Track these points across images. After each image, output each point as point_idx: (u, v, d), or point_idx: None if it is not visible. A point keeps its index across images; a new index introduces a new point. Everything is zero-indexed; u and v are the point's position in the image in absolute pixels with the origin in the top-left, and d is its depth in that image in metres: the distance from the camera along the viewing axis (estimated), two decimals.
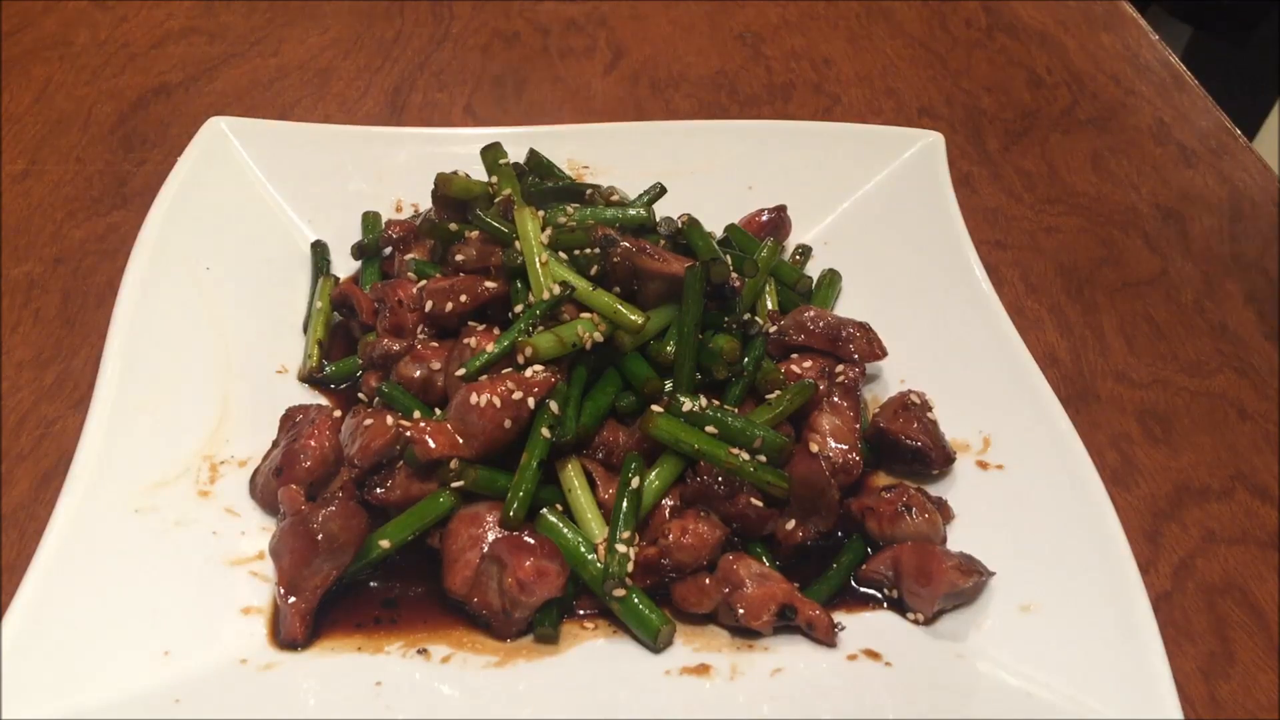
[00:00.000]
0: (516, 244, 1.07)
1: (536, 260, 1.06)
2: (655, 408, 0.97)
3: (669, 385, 1.02)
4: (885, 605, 0.94)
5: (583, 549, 0.93)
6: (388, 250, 1.24)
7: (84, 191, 1.45)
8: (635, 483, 0.95)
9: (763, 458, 0.96)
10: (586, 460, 0.99)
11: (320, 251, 1.25)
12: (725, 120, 1.40)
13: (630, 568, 0.91)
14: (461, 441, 0.96)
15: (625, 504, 0.93)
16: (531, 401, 0.97)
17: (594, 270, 1.06)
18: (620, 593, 0.90)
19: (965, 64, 1.76)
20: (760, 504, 0.94)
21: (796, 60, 1.78)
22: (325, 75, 1.73)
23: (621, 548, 0.91)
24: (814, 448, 0.99)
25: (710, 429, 0.97)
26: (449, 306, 1.08)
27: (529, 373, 0.98)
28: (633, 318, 1.01)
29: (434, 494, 0.96)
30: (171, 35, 1.82)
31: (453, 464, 0.95)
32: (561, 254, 1.08)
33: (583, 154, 1.36)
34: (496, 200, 1.16)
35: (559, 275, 1.05)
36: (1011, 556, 0.93)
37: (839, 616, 0.91)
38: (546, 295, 1.03)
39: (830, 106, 1.67)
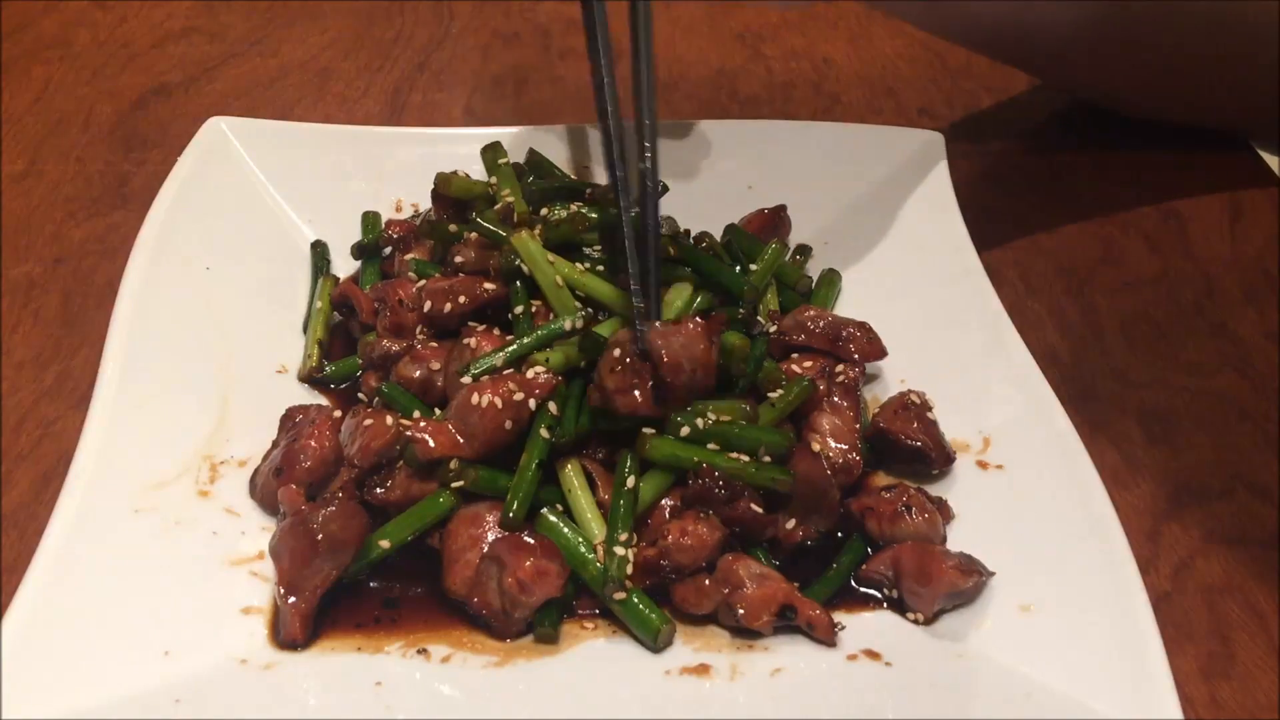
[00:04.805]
0: (522, 265, 1.07)
1: (553, 282, 1.06)
2: (647, 430, 0.96)
3: None
4: (885, 605, 0.94)
5: (583, 549, 0.93)
6: (388, 250, 1.24)
7: (84, 191, 1.45)
8: (631, 483, 0.94)
9: (767, 458, 0.96)
10: (586, 460, 0.99)
11: (320, 251, 1.25)
12: (725, 120, 1.40)
13: (629, 570, 0.91)
14: (462, 441, 0.96)
15: (621, 505, 0.93)
16: (533, 403, 0.97)
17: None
18: (620, 596, 0.90)
19: (965, 64, 1.76)
20: (760, 509, 0.94)
21: (796, 60, 1.78)
22: (325, 75, 1.73)
23: (620, 550, 0.91)
24: (814, 447, 0.99)
25: (711, 445, 0.96)
26: (448, 307, 1.08)
27: (530, 374, 0.98)
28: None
29: (434, 494, 0.96)
30: (171, 35, 1.82)
31: (453, 464, 0.95)
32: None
33: (583, 154, 1.36)
34: (498, 206, 1.16)
35: (571, 277, 1.06)
36: (1011, 556, 0.92)
37: (839, 616, 0.91)
38: (568, 325, 1.02)
39: (830, 106, 1.67)
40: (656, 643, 0.89)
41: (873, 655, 0.88)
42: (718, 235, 1.23)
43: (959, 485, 1.02)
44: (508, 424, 0.96)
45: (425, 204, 1.28)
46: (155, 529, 0.93)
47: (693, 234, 1.20)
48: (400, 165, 1.34)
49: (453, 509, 0.95)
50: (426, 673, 0.87)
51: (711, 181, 1.33)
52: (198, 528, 0.95)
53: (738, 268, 1.17)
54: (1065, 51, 1.41)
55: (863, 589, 0.95)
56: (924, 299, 1.18)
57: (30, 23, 1.84)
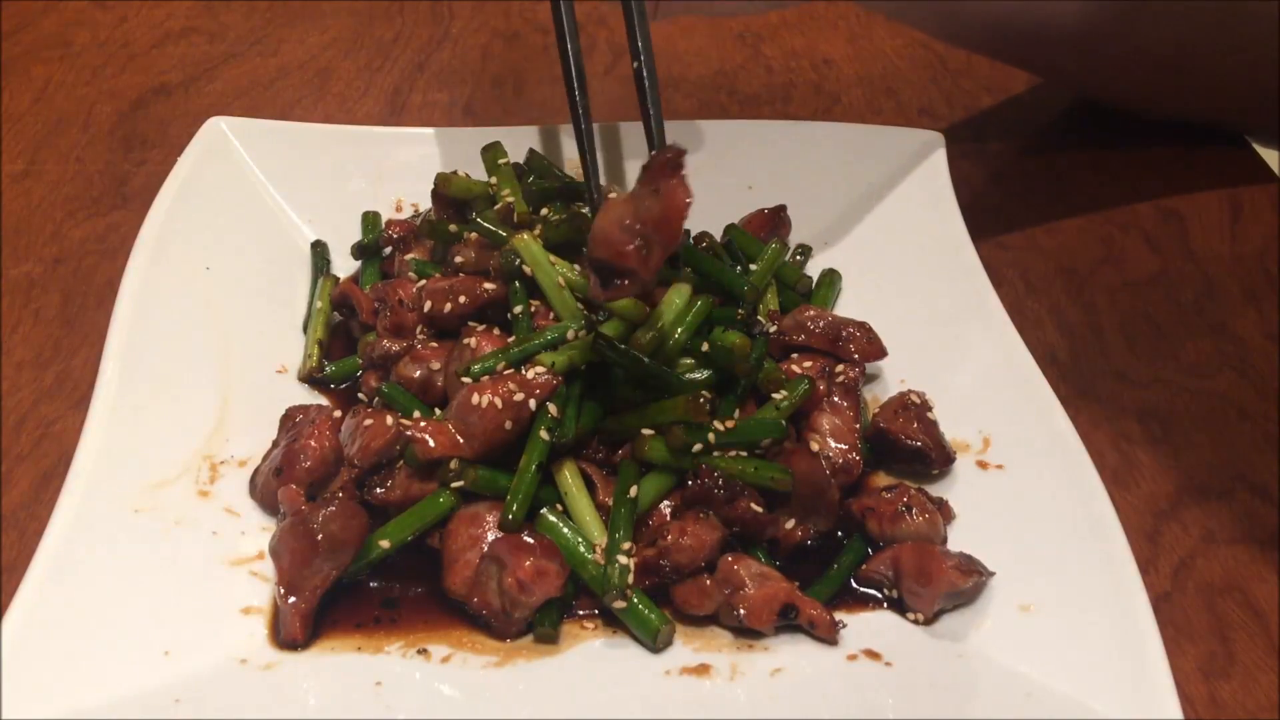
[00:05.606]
0: (526, 269, 1.07)
1: (555, 284, 1.06)
2: (646, 431, 0.97)
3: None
4: (885, 605, 0.94)
5: (582, 549, 0.93)
6: (388, 250, 1.24)
7: (84, 191, 1.45)
8: (633, 492, 0.94)
9: (760, 450, 0.96)
10: (584, 463, 0.99)
11: (320, 251, 1.25)
12: (725, 120, 1.40)
13: (630, 579, 0.91)
14: (462, 441, 0.96)
15: (623, 513, 0.93)
16: (533, 403, 0.97)
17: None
18: (621, 605, 0.90)
19: (965, 64, 1.76)
20: (760, 509, 0.94)
21: (796, 60, 1.78)
22: (325, 75, 1.73)
23: (622, 559, 0.91)
24: (814, 447, 0.99)
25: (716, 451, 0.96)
26: (448, 307, 1.08)
27: (530, 374, 0.98)
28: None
29: (434, 494, 0.96)
30: (171, 35, 1.82)
31: (453, 464, 0.95)
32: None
33: None
34: (498, 206, 1.16)
35: (571, 279, 1.06)
36: (1011, 556, 0.93)
37: (839, 616, 0.91)
38: (571, 333, 1.02)
39: (830, 106, 1.67)
40: (656, 643, 0.89)
41: (873, 655, 0.88)
42: (718, 235, 1.24)
43: (959, 485, 1.02)
44: (507, 424, 0.96)
45: (425, 204, 1.28)
46: (155, 529, 0.93)
47: (693, 234, 1.20)
48: (400, 165, 1.35)
49: (453, 509, 0.95)
50: (426, 673, 0.87)
51: (711, 181, 1.33)
52: (198, 528, 0.95)
53: (738, 268, 1.18)
54: (1070, 48, 1.41)
55: (863, 589, 0.95)
56: (924, 299, 1.18)
57: (30, 23, 1.84)
